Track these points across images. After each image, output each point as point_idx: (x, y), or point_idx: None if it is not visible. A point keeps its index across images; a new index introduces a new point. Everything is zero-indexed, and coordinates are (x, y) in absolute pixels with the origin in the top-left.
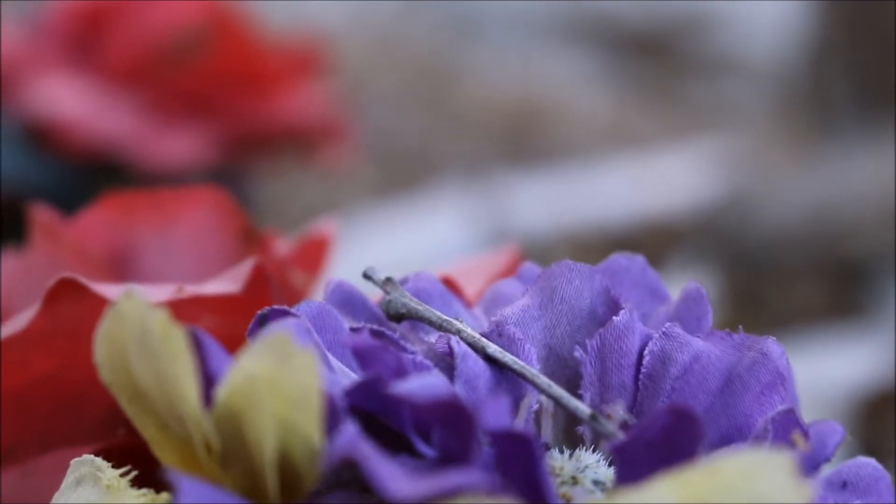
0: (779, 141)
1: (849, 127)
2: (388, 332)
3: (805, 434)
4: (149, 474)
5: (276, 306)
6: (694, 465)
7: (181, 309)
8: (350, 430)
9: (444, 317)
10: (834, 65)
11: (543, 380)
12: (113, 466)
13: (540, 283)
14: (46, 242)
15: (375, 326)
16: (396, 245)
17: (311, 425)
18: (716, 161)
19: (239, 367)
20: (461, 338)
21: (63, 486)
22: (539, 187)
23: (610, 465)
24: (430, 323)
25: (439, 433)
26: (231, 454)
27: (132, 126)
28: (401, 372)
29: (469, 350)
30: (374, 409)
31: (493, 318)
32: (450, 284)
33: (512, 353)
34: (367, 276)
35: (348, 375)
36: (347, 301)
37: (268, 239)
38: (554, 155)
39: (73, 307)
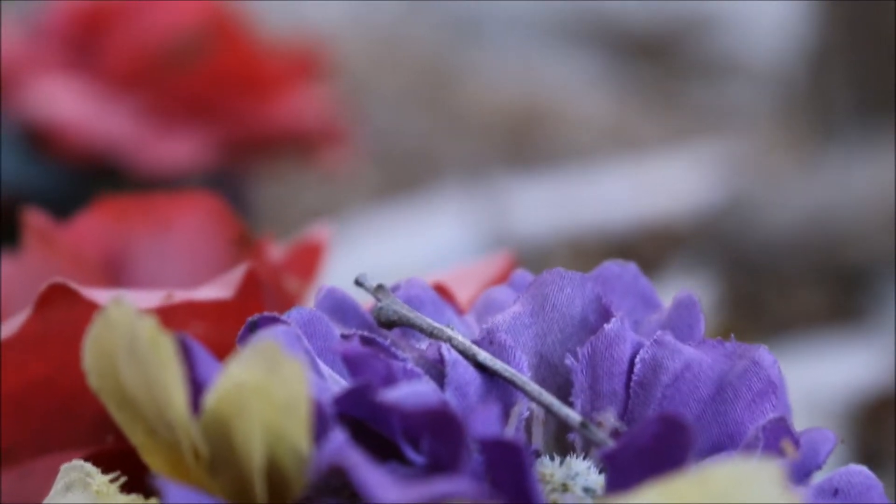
0: (779, 145)
1: (849, 131)
2: (379, 340)
3: (796, 442)
4: (139, 480)
5: (266, 313)
6: (683, 473)
7: (172, 315)
8: (338, 438)
9: (435, 324)
10: (834, 68)
11: (534, 387)
12: (103, 472)
13: (531, 290)
14: (40, 246)
15: (366, 333)
16: (396, 248)
17: (299, 432)
18: (716, 165)
19: (227, 375)
20: (452, 345)
21: (53, 491)
22: (539, 191)
23: (601, 473)
24: (421, 330)
25: (428, 440)
26: (219, 461)
27: (131, 129)
28: (391, 379)
29: (460, 357)
30: (363, 417)
31: (484, 326)
32: (442, 291)
33: (503, 361)
34: (358, 283)
35: (339, 382)
36: (339, 308)
37: (262, 244)
38: (555, 158)
39: (64, 312)
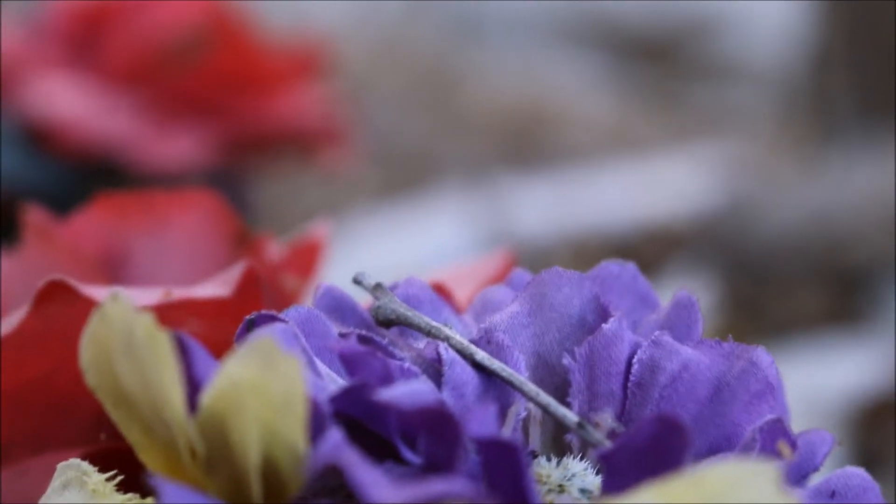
0: (780, 147)
1: (850, 133)
2: (377, 338)
3: (793, 444)
4: (136, 479)
5: (263, 311)
6: (680, 474)
7: (170, 312)
8: (335, 436)
9: (433, 323)
10: (835, 70)
11: (531, 387)
12: (100, 471)
13: (529, 290)
14: (39, 243)
15: (364, 332)
16: (396, 249)
17: (295, 431)
18: (717, 166)
19: (224, 373)
20: (450, 344)
21: (49, 489)
22: (540, 191)
23: (598, 474)
24: (419, 329)
25: (425, 440)
26: (215, 459)
27: (131, 127)
28: (388, 378)
29: (457, 357)
30: (360, 416)
31: (481, 325)
32: (440, 290)
33: (500, 361)
34: (356, 282)
35: (336, 381)
36: (337, 306)
37: (260, 242)
38: (556, 159)
39: (62, 309)
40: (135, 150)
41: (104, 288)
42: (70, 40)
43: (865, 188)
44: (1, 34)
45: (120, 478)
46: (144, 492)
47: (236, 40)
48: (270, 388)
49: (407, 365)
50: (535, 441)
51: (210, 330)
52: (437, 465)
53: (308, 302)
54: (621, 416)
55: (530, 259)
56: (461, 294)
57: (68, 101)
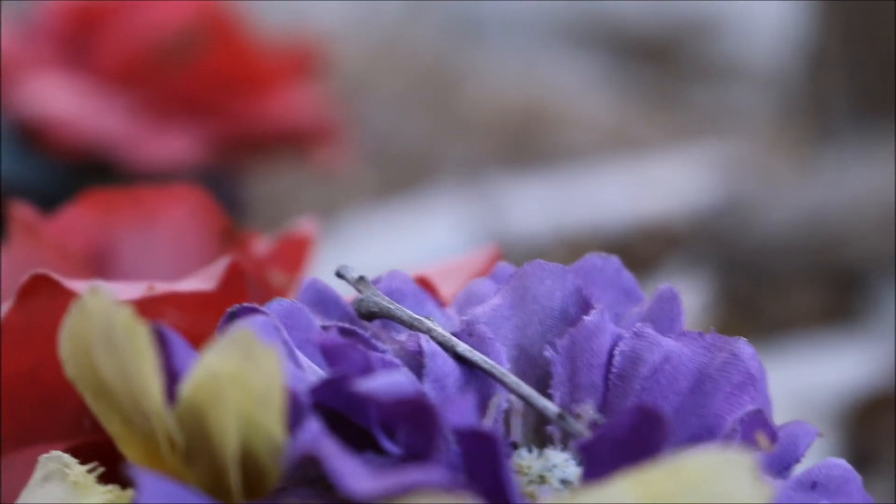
0: (777, 146)
1: (846, 132)
2: (359, 331)
3: (773, 435)
4: (119, 471)
5: (245, 304)
6: (657, 463)
7: (154, 306)
8: (313, 427)
9: (415, 316)
10: (831, 70)
11: (512, 379)
12: (83, 463)
13: (512, 282)
14: (26, 239)
15: (345, 325)
16: (393, 249)
17: (273, 422)
18: (713, 166)
19: (203, 364)
20: (431, 337)
21: (31, 482)
22: (537, 191)
23: (579, 465)
24: (401, 322)
25: (404, 431)
26: (194, 451)
27: (124, 126)
28: (368, 370)
29: (438, 349)
30: (340, 407)
31: (463, 318)
32: (424, 284)
33: (482, 353)
34: (339, 275)
35: (317, 373)
36: (320, 300)
37: (247, 238)
38: (555, 159)
39: (46, 303)
40: (128, 149)
41: (89, 282)
42: (64, 39)
43: (861, 187)
44: (0, 34)
45: (101, 470)
46: (126, 484)
47: (230, 39)
48: (249, 379)
49: (388, 357)
50: (517, 433)
51: (194, 324)
52: (417, 455)
53: (294, 297)
54: (603, 407)
55: (526, 258)
56: (448, 289)
57: (62, 100)
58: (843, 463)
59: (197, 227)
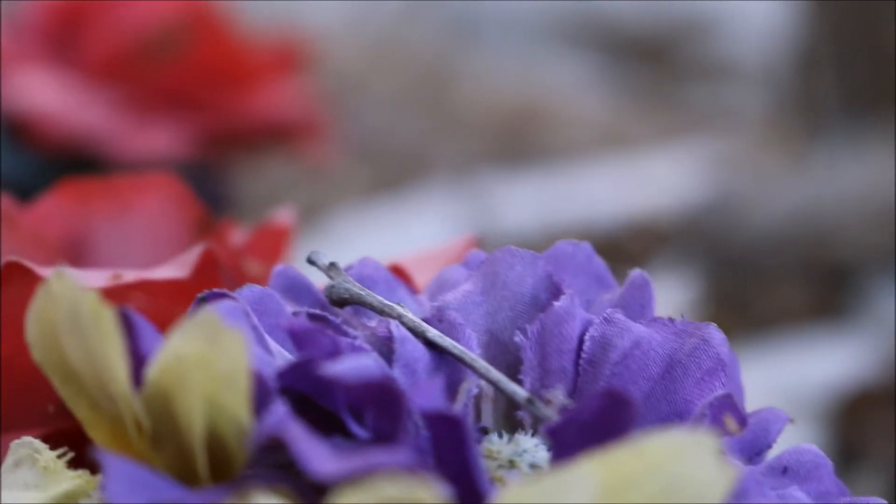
0: (767, 144)
1: (836, 130)
2: (329, 317)
3: (742, 419)
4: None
5: (215, 290)
6: (622, 444)
7: (127, 293)
8: (279, 410)
9: (386, 302)
10: (822, 70)
11: (482, 364)
12: (52, 449)
13: (483, 268)
14: (4, 230)
15: (315, 311)
16: (382, 246)
17: (239, 405)
18: (704, 163)
19: (168, 347)
20: (402, 322)
21: (3, 467)
22: (527, 189)
23: (549, 450)
24: (372, 308)
25: (371, 414)
26: (161, 434)
27: (110, 120)
28: (337, 354)
29: (408, 334)
30: (308, 391)
31: (434, 304)
32: (397, 272)
33: (452, 338)
34: (310, 261)
35: (287, 359)
36: (292, 287)
37: (224, 228)
38: (549, 158)
39: (20, 291)
40: (114, 144)
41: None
42: (49, 35)
43: (850, 185)
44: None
45: (71, 455)
46: (96, 470)
47: (215, 34)
48: (214, 361)
49: (358, 342)
50: (488, 418)
51: (167, 311)
52: (384, 438)
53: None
54: (573, 393)
55: None
56: (424, 277)
57: (47, 95)
58: (813, 448)
59: (172, 216)
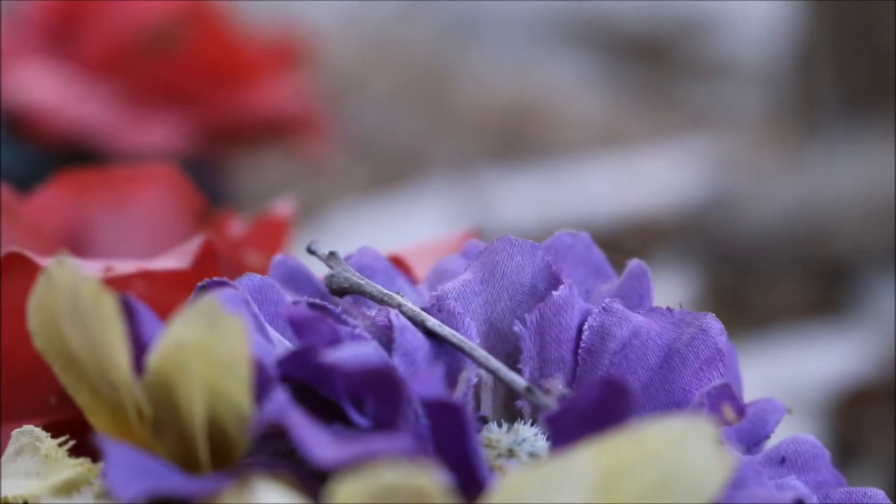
0: (765, 142)
1: (834, 128)
2: (329, 306)
3: (740, 409)
4: (92, 446)
5: (216, 278)
6: (620, 432)
7: (128, 283)
8: (279, 397)
9: (385, 291)
10: (820, 68)
11: (481, 353)
12: (53, 437)
13: (482, 258)
14: (4, 221)
15: (315, 300)
16: (380, 243)
17: (240, 391)
18: (702, 161)
19: (169, 334)
20: (401, 311)
21: (4, 456)
22: (526, 187)
23: (548, 439)
24: (371, 297)
25: (372, 402)
26: (162, 421)
27: (109, 115)
28: (336, 343)
29: (408, 323)
30: (308, 379)
31: (433, 293)
32: (397, 262)
33: (452, 328)
34: (310, 251)
35: (287, 347)
36: (292, 276)
37: (223, 219)
38: (547, 156)
39: (21, 282)
40: (112, 138)
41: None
42: (48, 30)
43: (848, 182)
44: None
45: (72, 443)
46: (97, 458)
47: (214, 30)
48: (215, 348)
49: (358, 331)
50: (487, 407)
51: (167, 301)
52: (384, 426)
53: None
54: (572, 382)
55: None
56: (423, 268)
57: (46, 90)
58: (811, 438)
59: (171, 208)
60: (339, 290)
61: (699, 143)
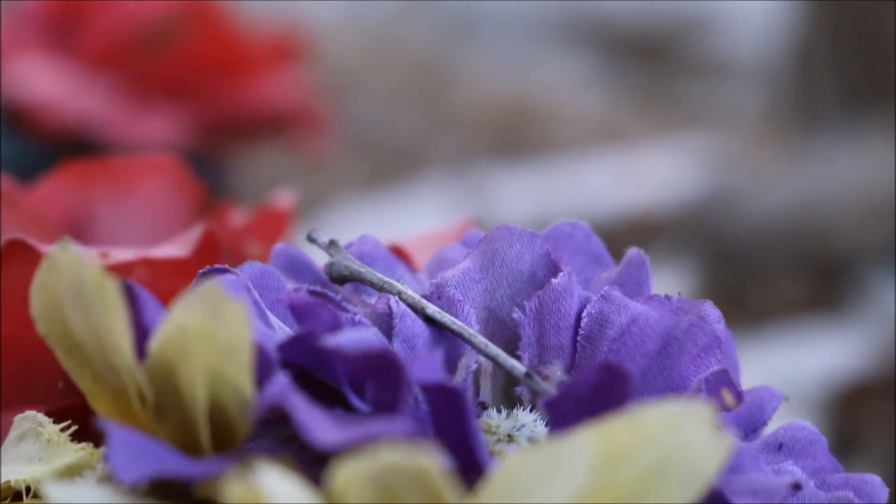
0: (764, 139)
1: (832, 125)
2: (329, 293)
3: (738, 395)
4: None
5: (217, 265)
6: (617, 416)
7: (129, 271)
8: (280, 381)
9: (385, 278)
10: (819, 66)
11: (481, 339)
12: (55, 422)
13: (481, 246)
14: (4, 210)
15: (315, 287)
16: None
17: (241, 376)
18: (700, 158)
19: (171, 319)
20: (401, 299)
21: (6, 441)
22: (525, 184)
23: (547, 424)
24: (372, 284)
25: (372, 386)
26: (164, 406)
27: (109, 108)
28: (337, 328)
29: (408, 310)
30: (309, 364)
31: (433, 281)
32: (397, 251)
33: (451, 315)
34: (310, 239)
35: (287, 333)
36: (293, 264)
37: (224, 209)
38: (545, 154)
39: (23, 269)
40: (112, 132)
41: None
42: (49, 23)
43: (847, 178)
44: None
45: (74, 428)
46: (100, 443)
47: (214, 25)
48: (216, 333)
49: (358, 318)
50: (486, 393)
51: (169, 290)
52: (384, 410)
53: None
54: (571, 369)
55: None
56: (423, 258)
57: (46, 83)
58: (808, 425)
59: (173, 198)
60: (340, 277)
61: (698, 141)
